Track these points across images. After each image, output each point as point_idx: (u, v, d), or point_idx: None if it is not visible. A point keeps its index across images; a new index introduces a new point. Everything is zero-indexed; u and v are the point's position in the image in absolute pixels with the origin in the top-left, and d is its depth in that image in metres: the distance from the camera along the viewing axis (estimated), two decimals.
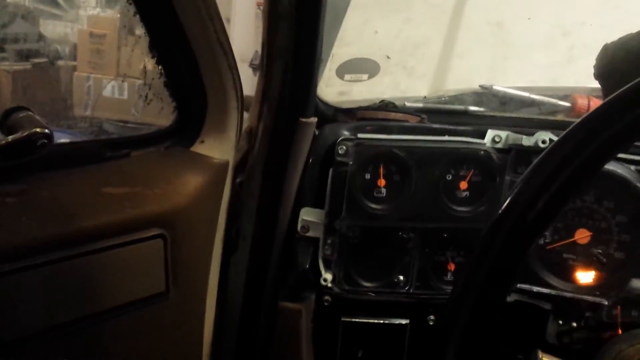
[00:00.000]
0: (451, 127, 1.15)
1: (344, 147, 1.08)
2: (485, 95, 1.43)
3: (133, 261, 0.88)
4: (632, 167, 1.04)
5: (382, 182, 1.10)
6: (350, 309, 1.15)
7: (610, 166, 1.03)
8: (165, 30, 0.94)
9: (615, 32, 1.17)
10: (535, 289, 1.07)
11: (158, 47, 0.97)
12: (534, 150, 1.06)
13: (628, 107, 0.55)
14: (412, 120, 1.23)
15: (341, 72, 1.47)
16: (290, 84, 0.98)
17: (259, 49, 1.02)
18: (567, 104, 1.43)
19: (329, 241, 1.11)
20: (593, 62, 1.20)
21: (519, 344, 1.10)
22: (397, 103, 1.29)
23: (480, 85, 1.43)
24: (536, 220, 0.58)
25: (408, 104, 1.33)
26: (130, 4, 0.93)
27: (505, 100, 1.44)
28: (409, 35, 1.57)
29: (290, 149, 1.03)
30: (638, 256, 1.05)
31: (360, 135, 1.10)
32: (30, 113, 0.79)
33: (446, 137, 1.11)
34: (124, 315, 0.89)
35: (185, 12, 0.91)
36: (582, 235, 1.07)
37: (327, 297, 1.14)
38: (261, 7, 1.03)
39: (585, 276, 1.07)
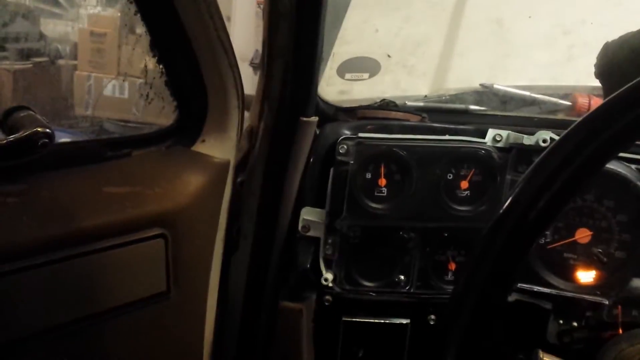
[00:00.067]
0: (452, 126, 1.15)
1: (345, 147, 1.08)
2: (485, 94, 1.43)
3: (134, 261, 0.88)
4: (633, 166, 1.04)
5: (382, 181, 1.10)
6: (351, 308, 1.14)
7: (611, 165, 1.03)
8: (166, 29, 0.94)
9: (616, 31, 1.17)
10: (536, 288, 1.06)
11: (159, 46, 0.97)
12: (535, 149, 1.05)
13: (629, 106, 0.55)
14: (413, 119, 1.22)
15: (342, 71, 1.47)
16: (291, 83, 0.98)
17: (260, 48, 1.02)
18: (567, 103, 1.43)
19: (329, 241, 1.11)
20: (594, 60, 1.20)
21: (519, 343, 1.10)
22: (397, 102, 1.29)
23: (480, 84, 1.43)
24: (537, 219, 0.58)
25: (409, 103, 1.33)
26: (130, 2, 0.93)
27: (506, 99, 1.44)
28: (409, 33, 1.57)
29: (291, 148, 1.03)
30: (639, 256, 1.04)
31: (361, 135, 1.10)
32: (31, 112, 0.79)
33: (447, 137, 1.11)
34: (124, 315, 0.89)
35: (186, 10, 0.91)
36: (583, 235, 1.07)
37: (327, 297, 1.14)
38: (262, 6, 1.03)
39: (586, 276, 1.07)
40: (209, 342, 1.07)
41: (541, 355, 0.77)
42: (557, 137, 1.02)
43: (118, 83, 3.43)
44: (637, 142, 0.60)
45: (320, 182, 1.12)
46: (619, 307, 1.03)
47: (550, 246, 1.08)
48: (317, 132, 1.11)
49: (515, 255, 0.60)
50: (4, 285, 0.74)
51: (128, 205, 0.87)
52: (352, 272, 1.13)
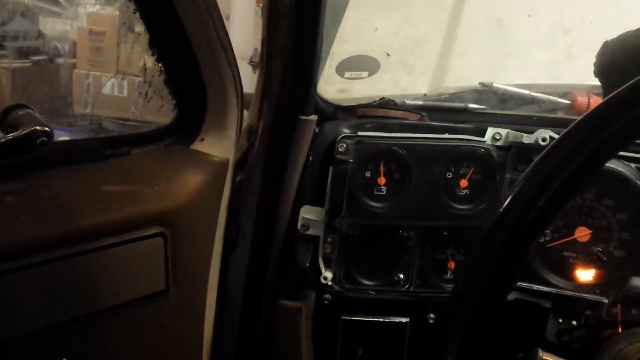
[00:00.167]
0: (451, 124, 1.15)
1: (344, 145, 1.08)
2: (485, 92, 1.43)
3: (133, 260, 0.88)
4: (633, 165, 1.04)
5: (382, 180, 1.10)
6: (350, 307, 1.14)
7: (611, 164, 1.03)
8: (165, 28, 0.94)
9: (615, 29, 1.17)
10: (535, 287, 1.07)
11: (158, 45, 0.97)
12: (534, 148, 1.05)
13: (628, 105, 0.55)
14: (412, 118, 1.22)
15: (341, 69, 1.47)
16: (290, 82, 0.98)
17: (259, 47, 1.02)
18: (567, 102, 1.43)
19: (329, 239, 1.11)
20: (593, 59, 1.20)
21: (519, 342, 1.10)
22: (397, 101, 1.29)
23: (480, 83, 1.43)
24: (537, 218, 0.58)
25: (408, 102, 1.33)
26: (129, 1, 0.93)
27: (505, 98, 1.44)
28: (408, 32, 1.57)
29: (290, 147, 1.02)
30: (638, 254, 1.04)
31: (360, 133, 1.10)
32: (30, 111, 0.79)
33: (446, 135, 1.11)
34: (123, 314, 0.89)
35: (185, 9, 0.91)
36: (582, 233, 1.07)
37: (327, 296, 1.14)
38: (261, 5, 1.03)
39: (585, 274, 1.07)
40: (208, 340, 1.07)
41: (540, 354, 0.77)
42: (556, 136, 1.02)
43: (117, 81, 3.43)
44: (637, 141, 0.60)
45: (319, 180, 1.11)
46: (619, 305, 1.03)
47: (550, 245, 1.08)
48: (317, 130, 1.11)
49: (515, 254, 0.60)
50: (3, 284, 0.74)
51: (127, 203, 0.87)
52: (352, 270, 1.13)
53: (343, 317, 1.15)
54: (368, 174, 1.10)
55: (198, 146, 1.01)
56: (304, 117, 1.01)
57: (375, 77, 1.47)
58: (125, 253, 0.86)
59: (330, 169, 1.10)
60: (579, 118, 0.57)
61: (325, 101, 1.28)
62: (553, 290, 1.06)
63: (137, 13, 0.94)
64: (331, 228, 1.11)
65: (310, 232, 1.12)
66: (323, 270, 1.12)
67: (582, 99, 1.40)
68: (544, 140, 1.05)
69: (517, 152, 1.08)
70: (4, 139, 0.74)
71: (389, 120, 1.20)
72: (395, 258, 1.13)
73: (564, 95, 1.44)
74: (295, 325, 1.13)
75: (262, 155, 1.04)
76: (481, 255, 0.60)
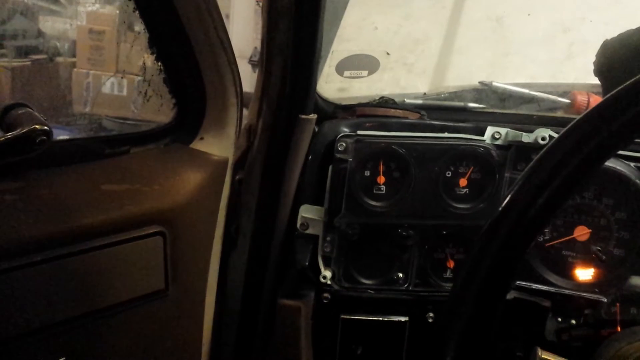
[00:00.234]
0: (451, 123, 1.15)
1: (344, 144, 1.08)
2: (484, 91, 1.43)
3: (132, 258, 0.88)
4: (632, 164, 1.04)
5: (381, 179, 1.09)
6: (350, 306, 1.15)
7: (610, 163, 1.03)
8: (164, 27, 0.94)
9: (615, 28, 1.17)
10: (535, 286, 1.07)
11: (157, 44, 0.97)
12: (534, 147, 1.05)
13: (628, 103, 0.55)
14: (412, 117, 1.22)
15: (341, 68, 1.47)
16: (289, 81, 0.98)
17: (259, 46, 1.01)
18: (566, 101, 1.43)
19: (328, 238, 1.11)
20: (593, 58, 1.20)
21: (518, 341, 1.10)
22: (396, 99, 1.29)
23: (479, 82, 1.43)
24: (536, 217, 0.58)
25: (407, 101, 1.33)
26: (129, 0, 0.92)
27: (504, 97, 1.44)
28: (408, 31, 1.57)
29: (290, 146, 1.02)
30: (637, 253, 1.05)
31: (359, 132, 1.10)
32: (30, 110, 0.79)
33: (446, 134, 1.11)
34: (123, 313, 0.89)
35: (185, 8, 0.91)
36: (582, 233, 1.07)
37: (326, 295, 1.14)
38: (260, 4, 1.03)
39: (585, 273, 1.07)
40: (208, 339, 1.07)
41: (539, 353, 0.77)
42: (556, 135, 1.02)
43: (116, 80, 3.43)
44: (636, 140, 0.60)
45: (318, 179, 1.11)
46: (618, 304, 1.03)
47: (549, 244, 1.08)
48: (316, 129, 1.11)
49: (514, 253, 0.60)
50: (2, 282, 0.74)
51: (126, 202, 0.87)
52: (351, 269, 1.13)
53: (342, 316, 1.15)
54: (367, 173, 1.10)
55: (197, 145, 1.01)
56: (303, 116, 1.01)
57: (374, 76, 1.47)
58: (125, 252, 0.86)
59: (330, 168, 1.10)
60: (578, 117, 0.57)
61: (324, 100, 1.28)
62: (552, 289, 1.06)
63: (137, 12, 0.94)
64: (330, 227, 1.11)
65: (309, 231, 1.12)
66: (322, 269, 1.12)
67: (581, 98, 1.40)
68: (543, 139, 1.05)
69: (517, 151, 1.08)
70: (3, 138, 0.74)
71: (388, 119, 1.20)
72: (394, 257, 1.13)
73: (563, 94, 1.44)
74: (294, 324, 1.13)
75: (261, 154, 1.04)
76: (480, 254, 0.60)
